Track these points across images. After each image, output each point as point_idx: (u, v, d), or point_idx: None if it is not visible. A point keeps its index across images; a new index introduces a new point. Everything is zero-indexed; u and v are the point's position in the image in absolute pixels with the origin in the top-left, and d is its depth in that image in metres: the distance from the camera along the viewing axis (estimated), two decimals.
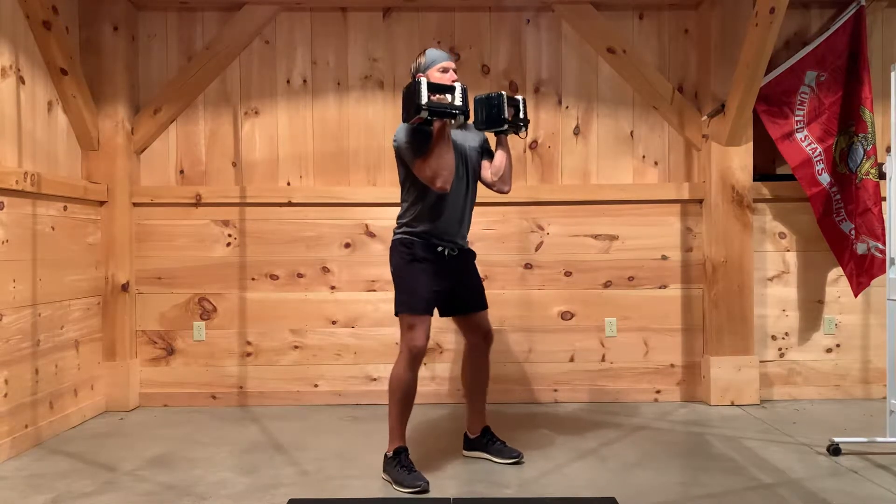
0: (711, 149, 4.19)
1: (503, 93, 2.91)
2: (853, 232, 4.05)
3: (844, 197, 4.09)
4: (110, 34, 4.11)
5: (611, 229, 4.32)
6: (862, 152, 4.04)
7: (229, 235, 4.28)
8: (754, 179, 4.24)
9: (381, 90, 4.36)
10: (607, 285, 4.32)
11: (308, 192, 4.29)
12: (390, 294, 4.19)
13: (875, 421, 3.74)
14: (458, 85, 2.77)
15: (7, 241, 3.28)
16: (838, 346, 4.33)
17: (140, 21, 4.32)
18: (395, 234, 3.04)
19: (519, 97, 3.00)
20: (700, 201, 4.31)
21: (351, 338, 4.29)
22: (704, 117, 4.21)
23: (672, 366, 4.31)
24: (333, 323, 4.29)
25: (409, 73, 4.29)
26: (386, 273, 4.23)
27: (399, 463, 2.87)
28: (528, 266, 4.30)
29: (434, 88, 2.71)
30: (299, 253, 4.29)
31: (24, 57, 3.56)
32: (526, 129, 3.02)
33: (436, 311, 3.04)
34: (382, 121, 4.36)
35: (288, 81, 4.35)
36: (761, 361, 4.27)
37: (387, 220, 4.29)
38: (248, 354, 4.28)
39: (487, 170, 3.09)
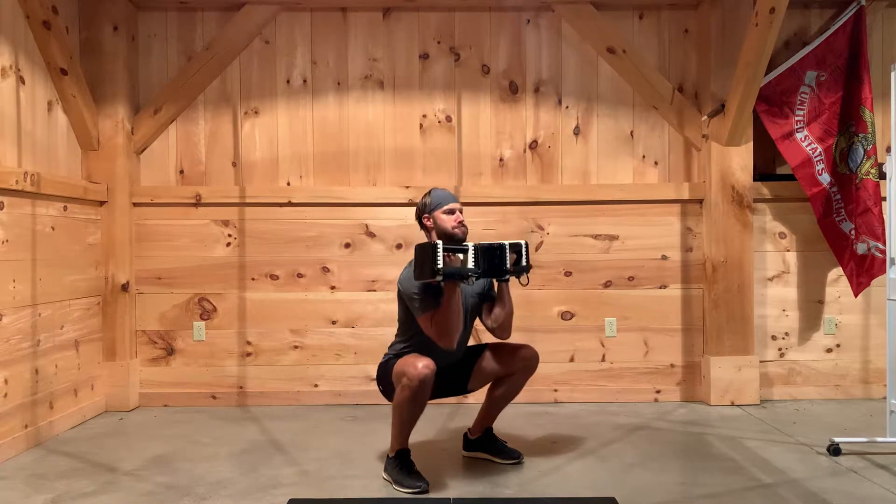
0: (711, 149, 4.19)
1: (505, 243, 2.87)
2: (853, 232, 4.05)
3: (844, 197, 4.09)
4: (110, 34, 4.11)
5: (611, 229, 4.32)
6: (862, 152, 4.04)
7: (229, 235, 4.28)
8: (754, 179, 4.24)
9: (381, 90, 4.36)
10: (607, 285, 4.32)
11: (308, 192, 4.29)
12: (390, 294, 4.23)
13: (875, 421, 3.74)
14: (470, 245, 2.76)
15: (7, 241, 3.28)
16: (838, 346, 4.33)
17: (140, 21, 4.32)
18: (385, 357, 3.05)
19: (521, 242, 2.94)
20: (700, 201, 4.31)
21: (351, 338, 4.29)
22: (704, 117, 4.21)
23: (672, 366, 4.31)
24: (333, 323, 4.29)
25: (409, 73, 4.35)
26: (386, 273, 4.27)
27: (400, 463, 2.87)
28: None
29: (448, 250, 2.71)
30: (299, 253, 4.29)
31: (24, 57, 3.56)
32: (527, 275, 2.95)
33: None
34: (382, 121, 4.36)
35: (288, 81, 4.35)
36: (761, 361, 4.27)
37: (387, 220, 4.30)
38: (248, 354, 4.28)
39: (488, 317, 3.07)
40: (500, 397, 3.13)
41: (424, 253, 2.69)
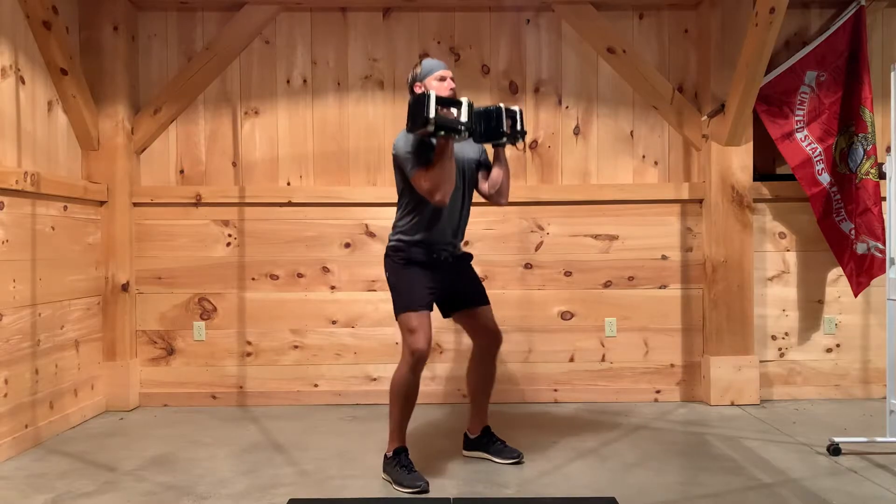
0: (711, 149, 4.19)
1: (501, 105, 2.89)
2: (853, 232, 4.05)
3: (844, 197, 4.09)
4: (110, 34, 4.11)
5: (611, 229, 4.32)
6: (862, 152, 4.04)
7: (229, 235, 4.29)
8: (754, 179, 4.24)
9: (381, 90, 4.36)
10: (607, 285, 4.32)
11: (308, 192, 4.29)
12: (390, 294, 4.21)
13: (875, 421, 3.74)
14: (464, 100, 2.76)
15: (7, 241, 3.28)
16: (838, 346, 4.33)
17: (140, 21, 4.32)
18: (389, 240, 3.05)
19: (516, 108, 2.98)
20: (700, 201, 4.31)
21: (351, 338, 4.29)
22: (704, 117, 4.21)
23: (672, 366, 4.31)
24: (333, 323, 4.29)
25: (409, 73, 4.34)
26: None
27: (399, 463, 2.87)
28: (528, 266, 4.30)
29: (441, 102, 2.70)
30: (299, 253, 4.29)
31: (24, 57, 3.56)
32: (523, 140, 3.01)
33: (440, 313, 3.04)
34: (382, 121, 4.36)
35: (288, 81, 4.35)
36: (761, 361, 4.27)
37: (387, 220, 4.25)
38: (248, 354, 4.28)
39: (485, 182, 3.10)
40: (476, 387, 3.19)
41: (417, 103, 2.69)
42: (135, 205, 4.25)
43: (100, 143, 4.13)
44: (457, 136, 2.76)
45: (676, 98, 4.29)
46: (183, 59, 4.32)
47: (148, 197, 4.26)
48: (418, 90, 2.97)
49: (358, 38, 4.36)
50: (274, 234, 4.29)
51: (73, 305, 3.85)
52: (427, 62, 3.02)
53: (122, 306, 4.16)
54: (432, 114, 2.65)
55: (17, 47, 3.50)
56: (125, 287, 4.17)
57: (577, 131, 4.38)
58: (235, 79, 4.34)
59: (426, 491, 2.77)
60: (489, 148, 3.11)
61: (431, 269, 2.97)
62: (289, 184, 4.34)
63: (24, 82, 3.55)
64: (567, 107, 4.38)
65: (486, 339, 3.13)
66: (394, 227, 3.05)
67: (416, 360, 2.86)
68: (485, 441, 3.19)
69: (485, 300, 3.13)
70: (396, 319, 2.96)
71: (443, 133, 2.71)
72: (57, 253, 3.70)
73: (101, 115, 4.12)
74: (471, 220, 3.13)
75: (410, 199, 2.96)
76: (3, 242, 3.25)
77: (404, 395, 2.91)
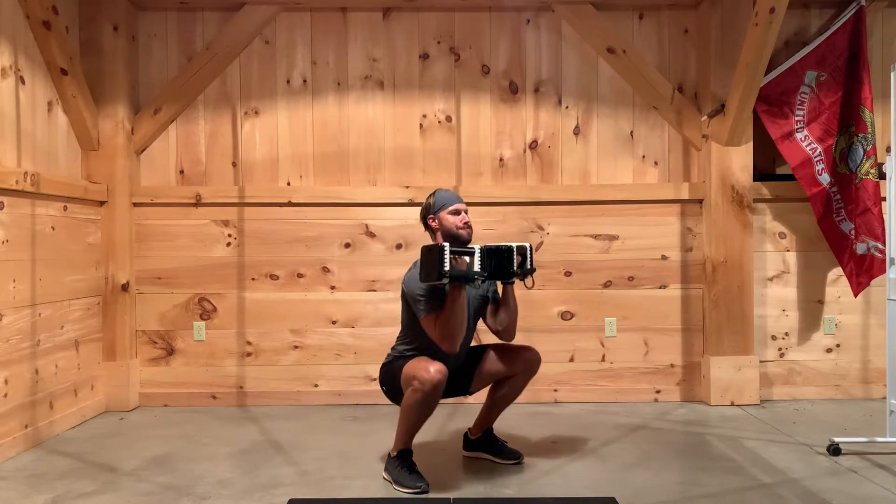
0: (711, 149, 4.19)
1: (513, 245, 2.85)
2: (853, 232, 4.05)
3: (844, 197, 4.09)
4: (110, 34, 4.11)
5: (611, 229, 4.32)
6: (862, 152, 4.04)
7: (229, 235, 4.28)
8: (754, 179, 4.24)
9: (381, 90, 4.36)
10: (607, 285, 4.32)
11: (308, 192, 4.29)
12: (390, 294, 4.23)
13: (875, 421, 3.74)
14: (477, 248, 2.76)
15: (7, 241, 3.28)
16: (838, 346, 4.33)
17: (140, 21, 4.32)
18: (388, 356, 3.05)
19: (526, 244, 2.94)
20: (700, 201, 4.31)
21: (351, 338, 4.29)
22: (704, 117, 4.21)
23: (672, 366, 4.31)
24: (333, 323, 4.29)
25: (409, 73, 4.35)
26: (386, 273, 4.27)
27: (401, 463, 2.87)
28: None
29: (455, 252, 2.71)
30: (299, 253, 4.29)
31: (24, 57, 3.56)
32: (532, 277, 2.95)
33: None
34: (382, 121, 4.36)
35: (288, 81, 4.35)
36: (761, 361, 4.27)
37: (387, 220, 4.29)
38: (248, 354, 4.28)
39: (492, 318, 3.07)
40: (501, 398, 3.13)
41: (431, 255, 2.67)
42: (135, 205, 4.25)
43: (100, 143, 4.13)
44: (475, 283, 2.79)
45: (676, 98, 4.29)
46: (183, 59, 4.32)
47: (148, 197, 4.26)
48: (432, 223, 2.98)
49: (358, 38, 4.36)
50: (274, 234, 4.29)
51: (73, 305, 3.85)
52: (441, 195, 3.00)
53: (122, 306, 4.16)
54: (447, 267, 2.63)
55: (17, 47, 3.50)
56: (125, 287, 4.17)
57: (577, 131, 4.39)
58: (235, 79, 4.34)
59: (426, 491, 2.76)
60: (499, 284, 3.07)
61: None
62: (289, 184, 4.34)
63: (24, 82, 3.55)
64: (567, 107, 4.38)
65: (517, 368, 3.05)
66: (394, 347, 3.06)
67: (428, 387, 2.74)
68: (485, 441, 3.19)
69: (475, 353, 3.09)
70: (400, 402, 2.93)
71: (454, 282, 2.72)
72: (57, 253, 3.70)
73: (101, 115, 4.12)
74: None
75: (415, 336, 2.95)
76: (3, 242, 3.25)
77: (421, 412, 2.83)
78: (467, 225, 2.96)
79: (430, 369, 2.73)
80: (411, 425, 2.86)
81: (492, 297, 3.11)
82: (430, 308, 2.80)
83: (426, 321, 2.81)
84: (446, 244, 2.68)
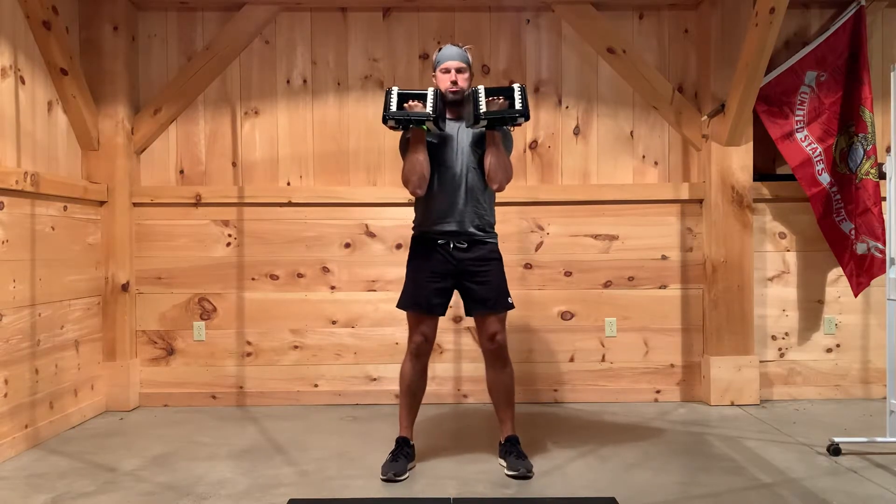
0: (711, 149, 4.19)
1: (480, 87, 2.83)
2: (853, 232, 4.05)
3: (844, 197, 4.09)
4: (110, 34, 4.11)
5: (611, 229, 4.31)
6: (862, 152, 4.04)
7: (229, 235, 4.28)
8: (754, 179, 4.24)
9: (381, 90, 4.35)
10: (607, 285, 4.31)
11: (308, 192, 4.29)
12: (390, 294, 4.23)
13: (875, 421, 3.74)
14: (430, 91, 2.79)
15: (7, 241, 3.28)
16: (838, 346, 4.33)
17: (140, 21, 4.32)
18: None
19: (516, 85, 2.88)
20: (700, 201, 4.31)
21: (351, 338, 4.29)
22: (704, 117, 4.21)
23: (672, 366, 4.31)
24: (333, 323, 4.29)
25: (409, 73, 4.35)
26: (386, 273, 4.27)
27: (392, 450, 2.97)
28: (528, 266, 4.30)
29: (406, 97, 2.77)
30: (299, 253, 4.29)
31: (24, 57, 3.56)
32: (520, 121, 2.86)
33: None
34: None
35: (288, 81, 4.35)
36: (761, 361, 4.27)
37: (387, 220, 4.29)
38: (248, 354, 4.28)
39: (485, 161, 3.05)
40: (490, 394, 3.16)
41: (386, 97, 2.81)
42: (135, 205, 4.25)
43: (100, 143, 4.13)
44: (425, 128, 2.80)
45: (676, 98, 4.29)
46: (183, 59, 4.32)
47: (148, 197, 4.26)
48: (433, 80, 3.04)
49: (358, 38, 4.36)
50: (274, 234, 4.29)
51: (73, 305, 3.85)
52: (441, 52, 3.04)
53: (122, 306, 4.16)
54: (391, 109, 2.77)
55: (17, 47, 3.50)
56: (125, 287, 4.17)
57: (577, 131, 4.38)
58: (235, 79, 4.34)
59: (392, 480, 2.84)
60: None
61: (438, 264, 3.00)
62: (289, 184, 4.34)
63: (24, 82, 3.55)
64: (567, 107, 4.38)
65: (482, 341, 3.10)
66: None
67: (411, 351, 2.99)
68: (502, 448, 3.10)
69: (487, 307, 3.03)
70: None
71: (401, 127, 2.83)
72: (57, 253, 3.69)
73: (101, 115, 4.12)
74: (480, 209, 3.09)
75: None
76: (3, 242, 3.25)
77: (405, 385, 3.04)
78: (454, 84, 2.95)
79: (413, 337, 2.98)
80: (404, 400, 3.07)
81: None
82: (401, 152, 3.02)
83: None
84: (394, 87, 2.82)
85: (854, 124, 4.06)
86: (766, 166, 4.38)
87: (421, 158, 2.90)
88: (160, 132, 4.32)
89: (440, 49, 3.06)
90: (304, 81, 4.35)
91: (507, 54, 4.37)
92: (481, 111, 2.81)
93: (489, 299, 3.04)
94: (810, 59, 4.12)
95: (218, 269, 4.28)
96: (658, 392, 4.30)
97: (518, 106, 2.83)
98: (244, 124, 4.35)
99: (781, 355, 4.33)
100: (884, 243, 3.89)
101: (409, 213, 4.18)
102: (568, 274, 4.31)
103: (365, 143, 4.35)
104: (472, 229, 3.01)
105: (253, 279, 4.28)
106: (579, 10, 4.25)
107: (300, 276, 4.29)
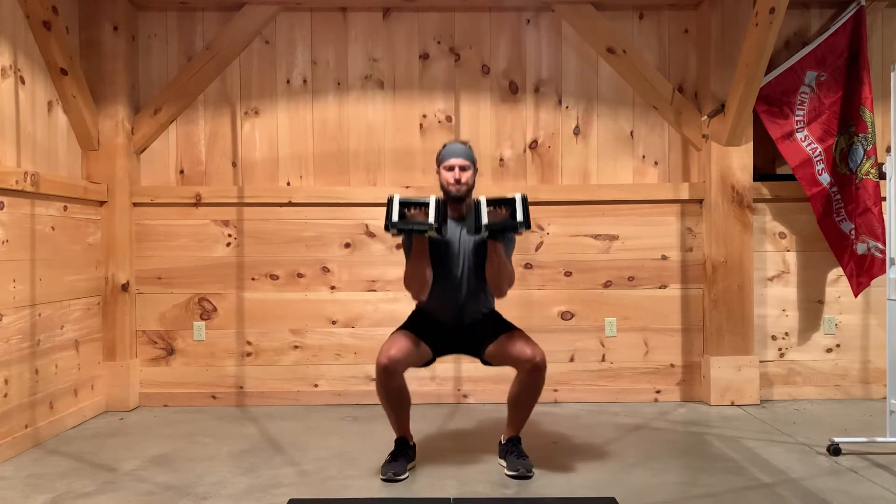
0: (711, 149, 4.19)
1: (482, 198, 2.82)
2: (853, 232, 4.05)
3: (844, 197, 4.09)
4: (110, 34, 4.11)
5: (611, 229, 4.32)
6: (862, 152, 4.04)
7: (229, 235, 4.28)
8: (754, 179, 4.24)
9: (381, 90, 4.36)
10: (607, 285, 4.31)
11: (308, 192, 4.29)
12: (390, 294, 4.23)
13: (875, 421, 3.74)
14: (431, 199, 2.80)
15: (7, 241, 3.28)
16: (838, 346, 4.33)
17: (140, 21, 4.32)
18: None
19: (517, 195, 2.80)
20: (700, 201, 4.31)
21: (351, 338, 4.29)
22: (704, 117, 4.21)
23: (672, 366, 4.31)
24: (333, 323, 4.29)
25: (409, 73, 4.36)
26: (386, 273, 4.27)
27: (392, 450, 2.99)
28: (528, 266, 4.30)
29: (408, 205, 2.79)
30: (299, 253, 4.29)
31: (24, 57, 3.56)
32: (521, 230, 2.85)
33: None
34: (382, 121, 4.36)
35: (288, 81, 4.35)
36: (761, 361, 4.27)
37: None
38: (248, 354, 4.28)
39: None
40: (512, 399, 3.04)
41: (387, 206, 2.82)
42: (135, 205, 4.25)
43: (100, 143, 4.13)
44: (426, 236, 2.84)
45: (676, 98, 4.29)
46: (183, 59, 4.32)
47: (148, 197, 4.26)
48: (437, 176, 3.04)
49: (358, 38, 4.36)
50: (274, 234, 4.29)
51: (73, 305, 3.85)
52: (445, 148, 3.04)
53: (122, 306, 4.16)
54: (393, 219, 2.78)
55: (17, 47, 3.50)
56: (125, 287, 4.17)
57: (577, 131, 4.39)
58: (235, 79, 4.34)
59: (392, 480, 2.85)
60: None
61: (441, 328, 3.06)
62: (289, 184, 4.34)
63: (24, 82, 3.55)
64: (567, 107, 4.38)
65: (523, 365, 2.91)
66: None
67: (378, 372, 2.90)
68: (503, 448, 3.09)
69: (501, 331, 3.02)
70: None
71: (403, 235, 2.88)
72: (57, 253, 3.70)
73: (101, 115, 4.12)
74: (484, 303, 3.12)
75: None
76: (3, 242, 3.25)
77: (383, 400, 2.99)
78: (457, 181, 2.96)
79: (381, 356, 2.87)
80: (387, 411, 3.01)
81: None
82: (405, 251, 3.00)
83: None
84: (396, 195, 2.82)
85: (854, 124, 4.06)
86: (766, 166, 4.38)
87: (423, 267, 2.91)
88: (160, 132, 4.32)
89: (445, 146, 3.05)
90: (304, 81, 4.35)
91: (507, 54, 4.37)
92: (483, 222, 2.82)
93: (497, 327, 3.05)
94: (810, 59, 4.12)
95: (218, 269, 4.28)
96: (658, 392, 4.30)
97: (520, 217, 2.80)
98: (244, 124, 4.35)
99: (781, 355, 4.33)
100: (884, 243, 3.89)
101: None
102: (568, 274, 4.31)
103: (365, 143, 4.35)
104: (468, 321, 3.07)
105: (253, 279, 4.28)
106: (579, 10, 4.25)
107: (300, 276, 4.29)
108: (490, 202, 2.82)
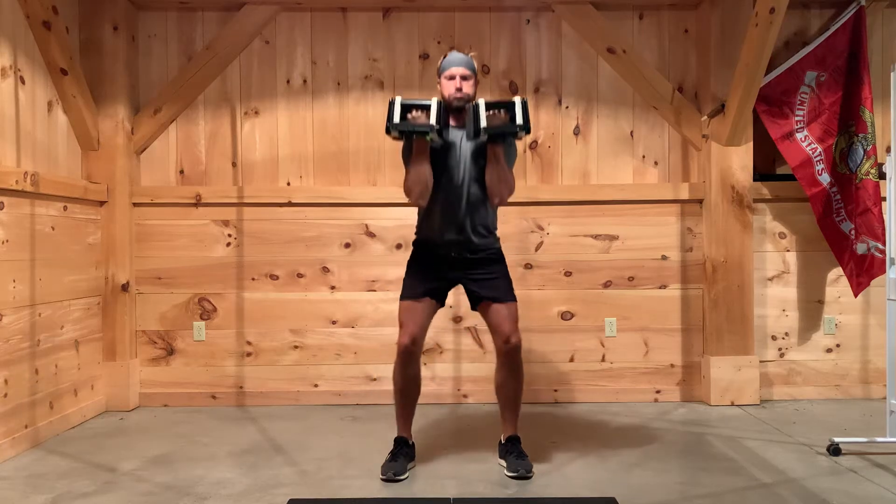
0: (711, 149, 4.19)
1: (481, 101, 2.82)
2: (853, 232, 4.05)
3: (844, 197, 4.09)
4: (110, 34, 4.11)
5: (611, 229, 4.32)
6: (862, 152, 4.04)
7: (229, 235, 4.28)
8: (754, 179, 4.24)
9: (381, 90, 4.35)
10: (607, 285, 4.31)
11: (308, 192, 4.29)
12: (390, 294, 4.23)
13: (875, 421, 3.74)
14: (433, 101, 2.77)
15: (7, 241, 3.28)
16: (838, 346, 4.33)
17: (140, 21, 4.32)
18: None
19: (517, 99, 2.83)
20: (700, 201, 4.31)
21: (351, 338, 4.29)
22: (704, 117, 4.21)
23: (672, 366, 4.31)
24: (333, 323, 4.29)
25: (409, 73, 4.36)
26: (386, 273, 4.27)
27: (391, 450, 2.98)
28: (528, 266, 4.30)
29: (409, 107, 2.76)
30: (299, 253, 4.29)
31: (24, 57, 3.56)
32: (521, 134, 2.84)
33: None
34: (382, 121, 4.30)
35: (288, 81, 4.35)
36: (761, 361, 4.27)
37: (387, 220, 4.29)
38: (248, 354, 4.28)
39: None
40: (497, 391, 3.07)
41: (389, 107, 2.79)
42: (135, 205, 4.25)
43: (100, 143, 4.13)
44: (428, 138, 2.79)
45: (676, 98, 4.29)
46: (183, 59, 4.32)
47: (148, 197, 4.26)
48: (438, 86, 3.03)
49: (358, 38, 4.36)
50: (274, 234, 4.29)
51: (73, 305, 3.85)
52: (447, 58, 3.01)
53: (122, 306, 4.16)
54: (395, 119, 2.76)
55: (17, 47, 3.50)
56: (125, 287, 4.17)
57: (577, 131, 4.39)
58: (235, 79, 4.34)
59: (391, 480, 2.84)
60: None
61: (440, 267, 3.00)
62: (289, 184, 4.34)
63: (24, 82, 3.55)
64: (567, 107, 4.38)
65: (497, 342, 2.99)
66: None
67: (399, 354, 2.94)
68: (502, 448, 3.09)
69: (499, 297, 2.98)
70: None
71: (403, 137, 2.84)
72: (57, 253, 3.70)
73: (101, 115, 4.12)
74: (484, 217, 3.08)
75: None
76: (3, 242, 3.25)
77: (398, 388, 3.02)
78: (458, 90, 2.93)
79: (402, 336, 2.91)
80: (397, 402, 3.04)
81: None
82: (404, 163, 2.97)
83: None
84: (398, 97, 2.80)
85: (854, 124, 4.06)
86: (766, 166, 4.38)
87: (424, 170, 2.88)
88: (160, 132, 4.32)
89: (445, 55, 3.03)
90: (304, 81, 4.35)
91: (507, 54, 4.37)
92: (482, 125, 2.80)
93: (496, 288, 3.00)
94: (810, 60, 4.12)
95: (218, 269, 4.28)
96: (658, 392, 4.30)
97: (519, 120, 2.80)
98: (244, 124, 4.35)
99: (781, 355, 4.33)
100: (884, 243, 3.89)
101: (410, 213, 4.20)
102: (568, 274, 4.31)
103: (365, 143, 4.35)
104: (473, 237, 2.99)
105: (253, 279, 4.28)
106: (579, 10, 4.25)
107: (300, 276, 4.29)
108: (489, 105, 2.81)
